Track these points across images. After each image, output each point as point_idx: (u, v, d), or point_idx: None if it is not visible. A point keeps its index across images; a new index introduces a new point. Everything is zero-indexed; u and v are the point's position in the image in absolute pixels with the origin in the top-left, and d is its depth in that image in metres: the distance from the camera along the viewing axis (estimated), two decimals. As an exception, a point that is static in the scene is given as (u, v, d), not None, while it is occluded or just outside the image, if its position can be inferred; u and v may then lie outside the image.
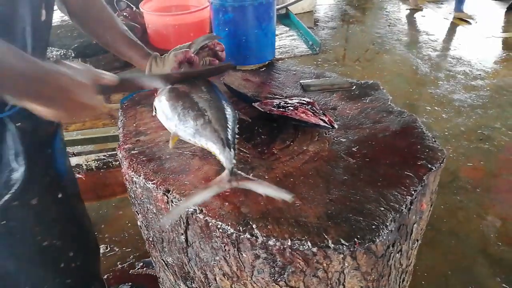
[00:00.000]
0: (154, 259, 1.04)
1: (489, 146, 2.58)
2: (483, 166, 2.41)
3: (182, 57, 0.99)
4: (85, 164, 1.59)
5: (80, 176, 1.62)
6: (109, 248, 1.87)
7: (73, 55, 1.27)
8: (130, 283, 1.69)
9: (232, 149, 0.75)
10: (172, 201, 0.76)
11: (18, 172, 0.87)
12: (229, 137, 0.77)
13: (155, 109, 0.91)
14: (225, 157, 0.74)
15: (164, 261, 0.94)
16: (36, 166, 0.90)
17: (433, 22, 4.69)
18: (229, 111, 0.85)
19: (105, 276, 1.68)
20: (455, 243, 1.89)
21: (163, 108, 0.87)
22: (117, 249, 1.88)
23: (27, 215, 0.93)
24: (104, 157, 1.67)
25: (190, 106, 0.84)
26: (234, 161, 0.73)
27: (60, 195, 1.01)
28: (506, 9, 4.89)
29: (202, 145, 0.80)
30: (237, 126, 0.83)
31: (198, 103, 0.85)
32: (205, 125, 0.79)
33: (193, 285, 0.88)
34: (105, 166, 1.64)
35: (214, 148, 0.77)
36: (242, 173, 0.73)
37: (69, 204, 1.08)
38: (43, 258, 1.01)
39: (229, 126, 0.80)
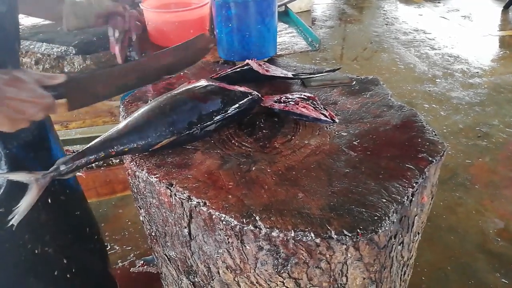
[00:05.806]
0: (156, 254, 1.04)
1: (487, 143, 2.59)
2: (482, 162, 2.43)
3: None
4: (85, 162, 1.59)
5: (80, 174, 1.62)
6: (109, 247, 1.88)
7: (73, 52, 1.27)
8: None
9: None
10: (175, 194, 0.76)
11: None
12: None
13: None
14: None
15: (166, 256, 0.95)
16: (20, 170, 0.85)
17: (430, 21, 4.70)
18: None
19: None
20: (455, 239, 1.90)
21: None
22: (117, 247, 1.89)
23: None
24: (104, 155, 1.66)
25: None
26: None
27: (49, 200, 0.96)
28: (502, 8, 4.91)
29: None
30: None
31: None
32: None
33: (196, 279, 0.88)
34: (105, 164, 1.64)
35: None
36: None
37: (63, 209, 1.04)
38: (35, 267, 0.97)
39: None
